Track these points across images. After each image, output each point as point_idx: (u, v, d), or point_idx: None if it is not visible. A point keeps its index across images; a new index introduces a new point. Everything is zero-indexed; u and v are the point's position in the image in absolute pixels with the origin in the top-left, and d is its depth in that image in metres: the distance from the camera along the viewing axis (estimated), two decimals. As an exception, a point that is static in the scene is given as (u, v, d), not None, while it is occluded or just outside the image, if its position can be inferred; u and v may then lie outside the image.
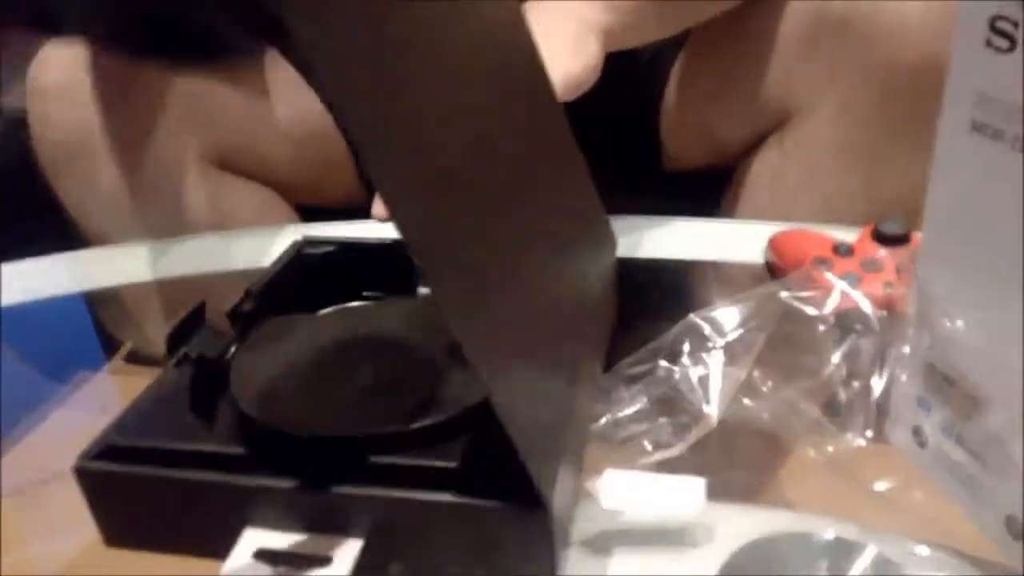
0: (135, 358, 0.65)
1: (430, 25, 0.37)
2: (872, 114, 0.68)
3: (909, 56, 0.64)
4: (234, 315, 0.48)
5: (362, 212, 0.78)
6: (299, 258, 0.53)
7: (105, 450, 0.39)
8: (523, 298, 0.38)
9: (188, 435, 0.40)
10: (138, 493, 0.39)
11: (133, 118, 0.76)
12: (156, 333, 0.72)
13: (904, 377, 0.41)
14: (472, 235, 0.35)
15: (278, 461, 0.37)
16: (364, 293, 0.51)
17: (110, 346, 0.68)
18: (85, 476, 0.39)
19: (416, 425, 0.38)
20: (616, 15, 0.65)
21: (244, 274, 0.66)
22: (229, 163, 0.81)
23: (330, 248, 0.53)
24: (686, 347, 0.43)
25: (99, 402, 0.61)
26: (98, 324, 0.72)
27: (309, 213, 0.86)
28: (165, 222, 0.78)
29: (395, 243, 0.52)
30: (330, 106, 0.84)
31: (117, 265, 0.73)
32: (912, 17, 0.64)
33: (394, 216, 0.29)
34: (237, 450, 0.38)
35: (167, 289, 0.69)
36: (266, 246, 0.68)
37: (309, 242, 0.54)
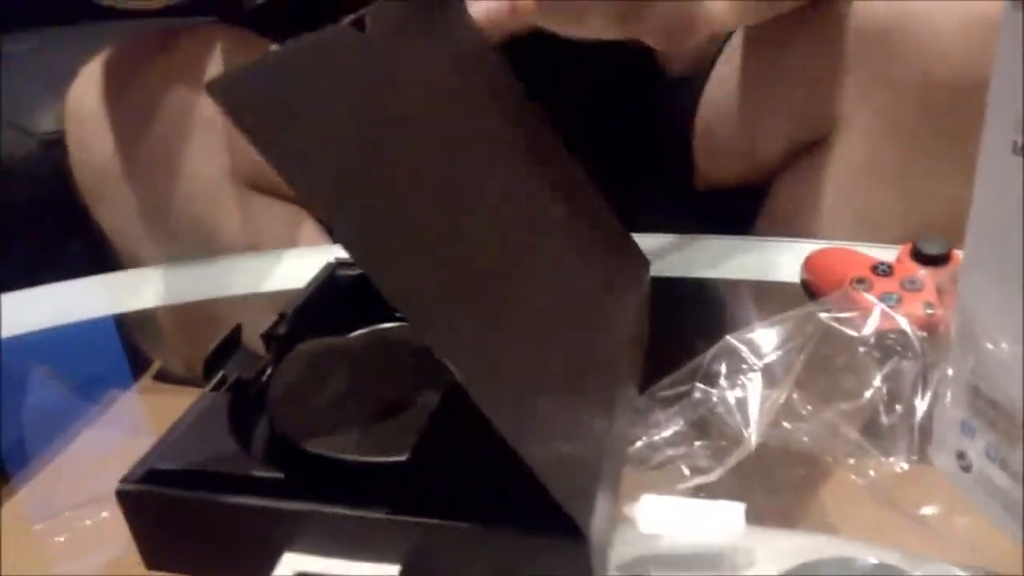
0: (164, 377, 0.66)
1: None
2: (911, 131, 0.67)
3: (948, 73, 0.63)
4: (269, 338, 0.48)
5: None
6: (332, 279, 0.54)
7: (147, 474, 0.40)
8: (541, 335, 0.38)
9: (227, 459, 0.40)
10: (179, 516, 0.39)
11: (168, 140, 0.77)
12: (187, 353, 0.73)
13: (948, 400, 0.40)
14: (478, 280, 0.36)
15: (316, 486, 0.37)
16: (397, 314, 0.51)
17: (138, 362, 0.69)
18: (127, 499, 0.39)
19: (453, 450, 0.38)
20: None
21: (275, 295, 0.67)
22: (259, 183, 0.81)
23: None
24: (723, 369, 0.42)
25: (129, 421, 0.61)
26: (128, 342, 0.72)
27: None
28: (200, 244, 0.79)
29: None
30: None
31: (150, 287, 0.73)
32: (950, 34, 0.63)
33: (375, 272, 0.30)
34: (275, 475, 0.38)
35: (200, 310, 0.70)
36: (297, 266, 0.68)
37: (342, 263, 0.54)
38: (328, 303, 0.52)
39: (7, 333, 0.64)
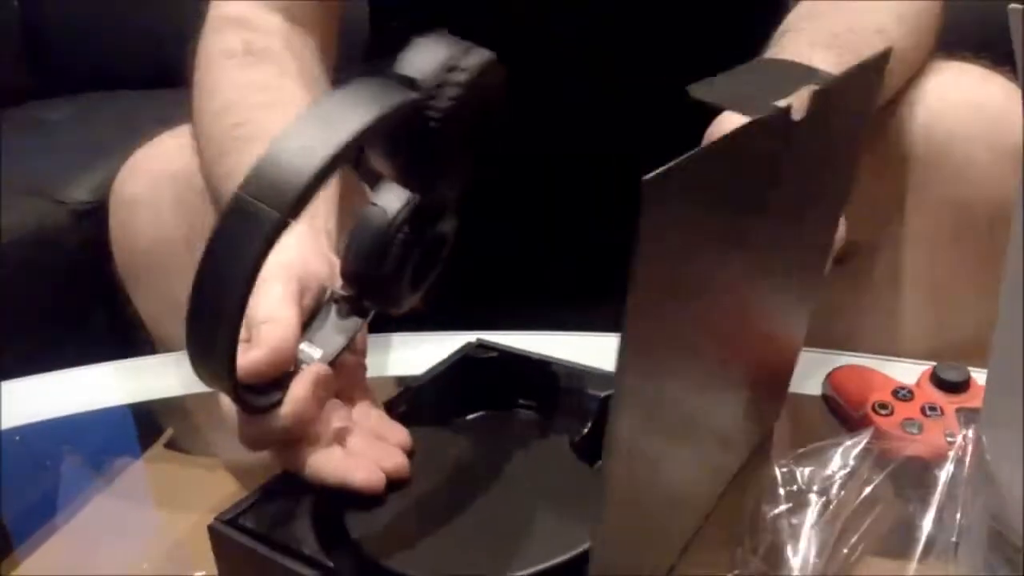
0: (174, 445, 0.66)
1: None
2: (944, 251, 0.69)
3: (980, 199, 0.65)
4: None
5: (411, 321, 0.80)
6: (465, 360, 0.55)
7: (233, 518, 0.44)
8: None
9: (293, 529, 0.43)
10: (248, 563, 0.43)
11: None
12: (211, 434, 0.73)
13: (970, 535, 0.42)
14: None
15: None
16: (520, 401, 0.54)
17: (150, 429, 0.69)
18: (214, 535, 0.44)
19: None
20: None
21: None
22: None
23: (494, 354, 0.56)
24: (768, 496, 0.45)
25: (136, 489, 0.62)
26: (139, 411, 0.73)
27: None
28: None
29: (552, 363, 0.54)
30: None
31: (173, 373, 0.73)
32: (983, 162, 0.65)
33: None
34: (325, 561, 0.41)
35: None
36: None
37: (481, 345, 0.56)
38: (456, 382, 0.54)
39: (28, 419, 0.64)
